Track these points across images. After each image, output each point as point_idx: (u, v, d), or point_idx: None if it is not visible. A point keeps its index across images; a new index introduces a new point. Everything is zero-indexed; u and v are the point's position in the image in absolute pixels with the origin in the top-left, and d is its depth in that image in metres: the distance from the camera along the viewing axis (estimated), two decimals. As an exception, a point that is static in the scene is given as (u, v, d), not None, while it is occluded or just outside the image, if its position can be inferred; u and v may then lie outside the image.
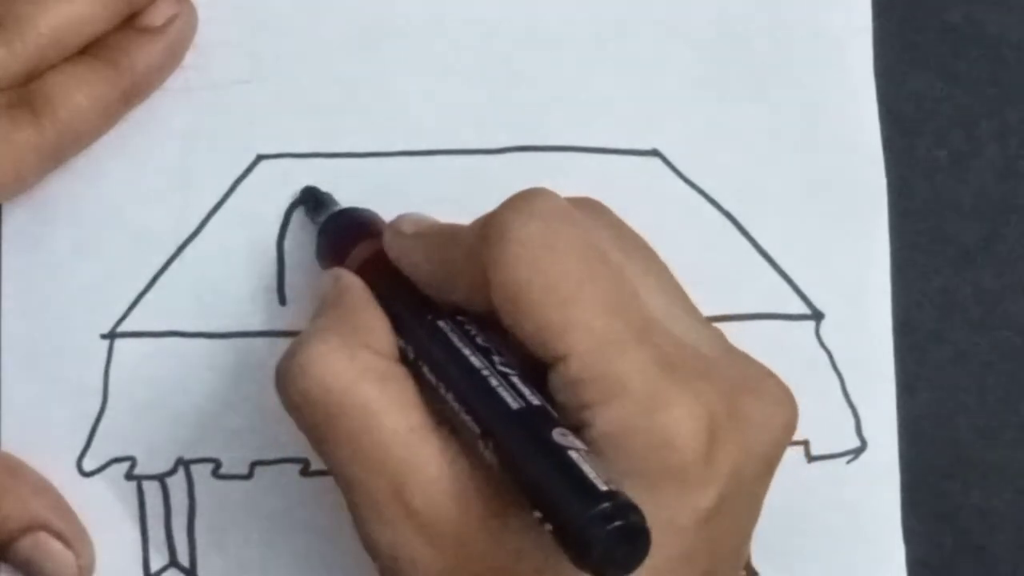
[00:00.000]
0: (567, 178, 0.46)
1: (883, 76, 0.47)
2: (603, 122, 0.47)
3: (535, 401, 0.36)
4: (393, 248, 0.41)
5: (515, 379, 0.37)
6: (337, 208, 0.45)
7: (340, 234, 0.44)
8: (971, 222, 0.47)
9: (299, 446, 0.45)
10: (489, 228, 0.37)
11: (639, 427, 0.36)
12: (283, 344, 0.45)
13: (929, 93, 0.48)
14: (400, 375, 0.38)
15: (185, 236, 0.46)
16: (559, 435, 0.35)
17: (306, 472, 0.45)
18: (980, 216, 0.47)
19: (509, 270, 0.37)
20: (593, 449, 0.35)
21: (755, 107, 0.47)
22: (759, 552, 0.46)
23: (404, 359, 0.39)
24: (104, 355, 0.45)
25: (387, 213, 0.46)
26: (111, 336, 0.45)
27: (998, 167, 0.47)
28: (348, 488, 0.38)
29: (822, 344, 0.46)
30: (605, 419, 0.36)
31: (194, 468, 0.45)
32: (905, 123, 0.47)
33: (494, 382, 0.36)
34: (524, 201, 0.38)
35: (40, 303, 0.45)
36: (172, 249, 0.46)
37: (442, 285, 0.39)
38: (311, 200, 0.45)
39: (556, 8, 0.47)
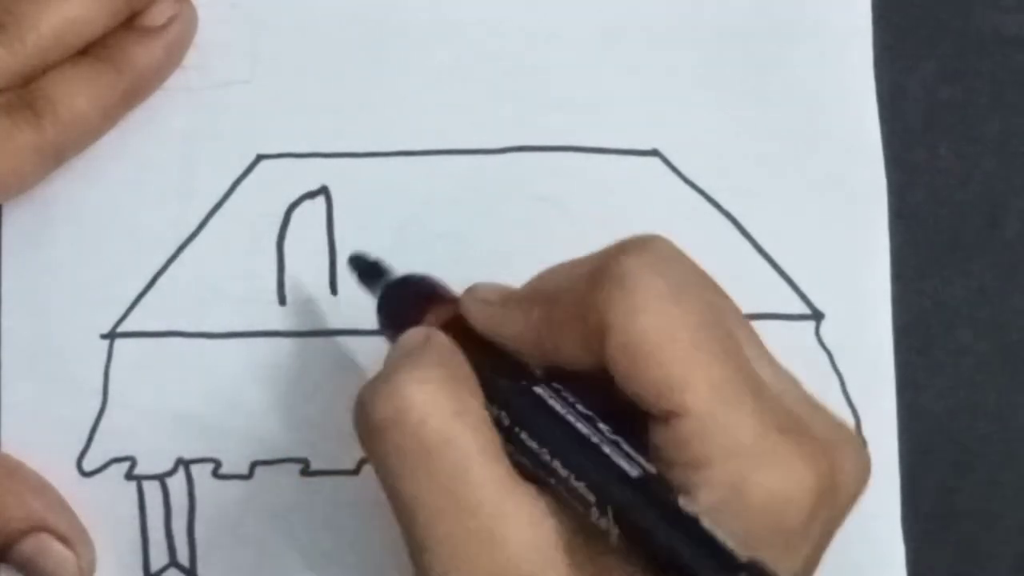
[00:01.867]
0: (567, 178, 0.46)
1: (883, 76, 0.47)
2: (603, 122, 0.47)
3: (651, 468, 0.35)
4: (481, 317, 0.39)
5: (625, 446, 0.35)
6: (396, 275, 0.43)
7: (408, 301, 0.42)
8: (971, 222, 0.47)
9: (299, 446, 0.45)
10: (608, 276, 0.36)
11: (754, 487, 0.35)
12: (283, 344, 0.45)
13: (929, 93, 0.48)
14: (490, 425, 0.37)
15: (185, 236, 0.46)
16: (684, 503, 0.34)
17: (306, 472, 0.45)
18: (980, 216, 0.47)
19: (631, 320, 0.35)
20: (706, 510, 0.34)
21: (755, 107, 0.47)
22: (759, 552, 0.46)
23: (496, 423, 0.37)
24: (104, 355, 0.45)
25: (387, 213, 0.46)
26: (111, 336, 0.45)
27: (998, 167, 0.47)
28: (423, 527, 0.36)
29: (822, 344, 0.46)
30: (720, 478, 0.35)
31: (194, 468, 0.45)
32: (905, 123, 0.47)
33: (607, 449, 0.35)
34: (644, 249, 0.37)
35: (40, 303, 0.45)
36: (172, 249, 0.46)
37: (544, 348, 0.37)
38: (364, 268, 0.43)
39: (556, 8, 0.47)
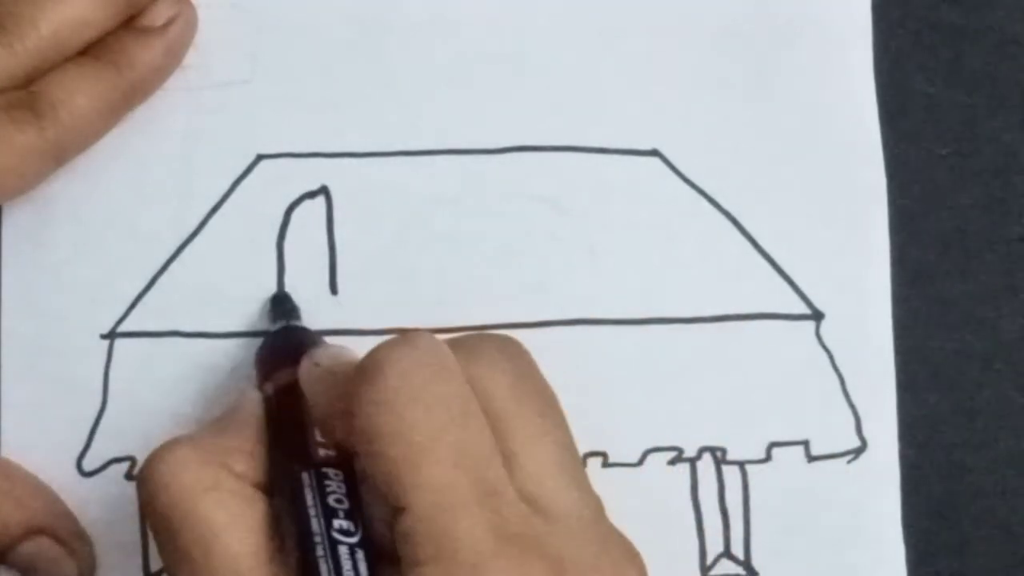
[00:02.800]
0: (567, 178, 0.46)
1: (883, 76, 0.47)
2: (603, 122, 0.47)
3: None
4: (303, 378, 0.40)
5: (343, 549, 0.37)
6: (286, 323, 0.44)
7: (275, 351, 0.43)
8: (971, 222, 0.47)
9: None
10: (362, 367, 0.37)
11: None
12: (283, 344, 0.45)
13: (929, 93, 0.48)
14: (253, 500, 0.38)
15: (185, 236, 0.46)
16: None
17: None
18: (980, 216, 0.47)
19: (367, 412, 0.36)
20: None
21: (755, 107, 0.47)
22: (759, 552, 0.46)
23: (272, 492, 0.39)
24: (104, 355, 0.45)
25: (387, 213, 0.46)
26: (111, 336, 0.45)
27: (998, 167, 0.47)
28: None
29: (822, 344, 0.46)
30: None
31: (194, 468, 0.45)
32: (905, 123, 0.47)
33: (319, 552, 0.37)
34: (400, 345, 0.37)
35: (40, 303, 0.45)
36: (172, 249, 0.46)
37: (332, 423, 0.39)
38: (277, 307, 0.45)
39: (556, 8, 0.47)
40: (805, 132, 0.47)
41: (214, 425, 0.41)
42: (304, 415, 0.40)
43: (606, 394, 0.46)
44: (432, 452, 0.36)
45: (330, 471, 0.38)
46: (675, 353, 0.46)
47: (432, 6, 0.47)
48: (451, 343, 0.39)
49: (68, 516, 0.44)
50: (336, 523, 0.37)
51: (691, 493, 0.46)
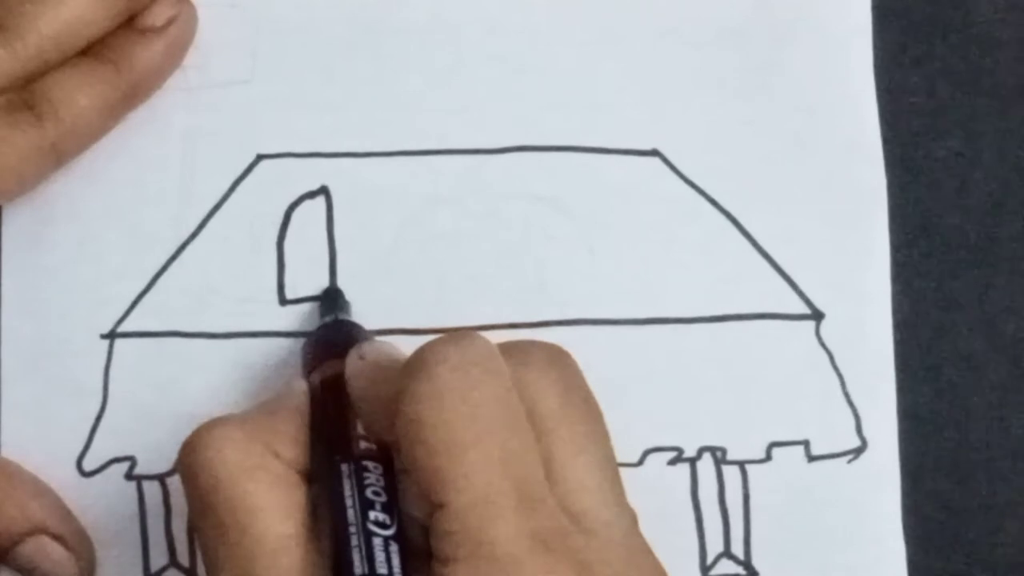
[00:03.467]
0: (567, 178, 0.46)
1: (883, 76, 0.47)
2: (603, 122, 0.47)
3: (381, 570, 0.36)
4: (349, 371, 0.40)
5: (377, 541, 0.37)
6: (335, 316, 0.44)
7: (322, 343, 0.43)
8: (971, 222, 0.47)
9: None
10: (412, 362, 0.37)
11: None
12: (283, 344, 0.45)
13: (929, 93, 0.48)
14: (294, 485, 0.38)
15: (185, 236, 0.46)
16: None
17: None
18: (980, 216, 0.47)
19: (414, 407, 0.36)
20: None
21: (755, 107, 0.47)
22: (759, 552, 0.46)
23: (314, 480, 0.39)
24: (104, 355, 0.45)
25: (387, 213, 0.46)
26: (111, 336, 0.45)
27: (998, 167, 0.47)
28: (211, 567, 0.38)
29: (822, 344, 0.46)
30: None
31: (194, 468, 0.45)
32: (905, 123, 0.47)
33: (353, 542, 0.37)
34: (453, 342, 0.37)
35: (40, 303, 0.45)
36: (172, 249, 0.46)
37: (375, 419, 0.39)
38: (328, 301, 0.45)
39: (556, 8, 0.47)
40: (805, 132, 0.47)
41: (261, 409, 0.40)
42: (347, 407, 0.40)
43: (605, 394, 0.45)
44: (475, 451, 0.36)
45: (369, 464, 0.38)
46: (675, 353, 0.46)
47: (432, 6, 0.47)
48: (502, 347, 0.39)
49: (68, 516, 0.44)
50: (372, 515, 0.37)
51: (691, 493, 0.46)
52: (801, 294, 0.46)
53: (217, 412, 0.45)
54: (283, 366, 0.45)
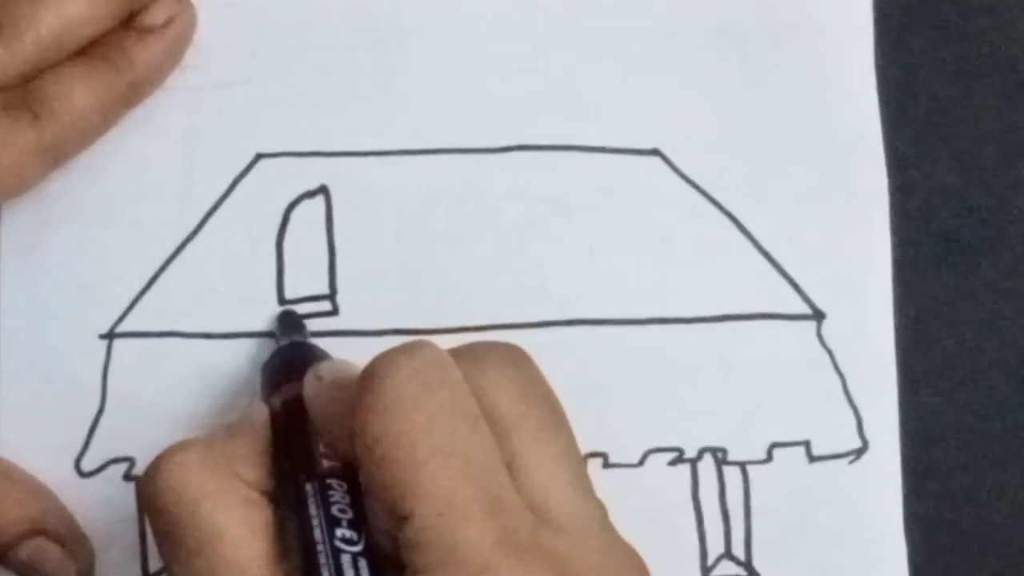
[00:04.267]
0: (567, 178, 0.46)
1: (883, 76, 0.47)
2: (603, 122, 0.47)
3: None
4: (307, 392, 0.40)
5: (345, 557, 0.37)
6: (293, 338, 0.44)
7: (282, 365, 0.43)
8: (971, 222, 0.47)
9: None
10: (364, 376, 0.37)
11: None
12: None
13: (929, 93, 0.48)
14: (260, 507, 0.38)
15: (185, 236, 0.46)
16: None
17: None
18: (980, 216, 0.47)
19: (371, 420, 0.36)
20: None
21: (755, 107, 0.47)
22: (760, 553, 0.46)
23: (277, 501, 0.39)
24: (103, 355, 0.45)
25: (387, 213, 0.46)
26: (110, 336, 0.45)
27: (998, 167, 0.47)
28: None
29: (823, 344, 0.46)
30: None
31: (193, 468, 0.45)
32: (905, 123, 0.47)
33: (321, 559, 0.37)
34: (405, 353, 0.37)
35: (39, 303, 0.45)
36: (172, 249, 0.46)
37: (335, 436, 0.39)
38: (284, 322, 0.45)
39: (556, 8, 0.47)
40: (805, 132, 0.47)
41: (222, 431, 0.40)
42: (308, 427, 0.40)
43: (606, 394, 0.45)
44: (435, 460, 0.36)
45: (334, 481, 0.38)
46: (675, 353, 0.46)
47: (432, 6, 0.47)
48: (454, 352, 0.39)
49: (67, 516, 0.44)
50: (339, 532, 0.37)
51: (692, 494, 0.46)
52: (802, 294, 0.46)
53: (217, 412, 0.45)
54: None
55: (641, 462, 0.46)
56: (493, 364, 0.39)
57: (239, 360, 0.45)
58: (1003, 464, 0.47)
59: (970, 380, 0.47)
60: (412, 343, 0.38)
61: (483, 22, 0.47)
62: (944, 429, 0.47)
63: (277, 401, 0.41)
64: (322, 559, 0.37)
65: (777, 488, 0.46)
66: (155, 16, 0.45)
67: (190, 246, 0.46)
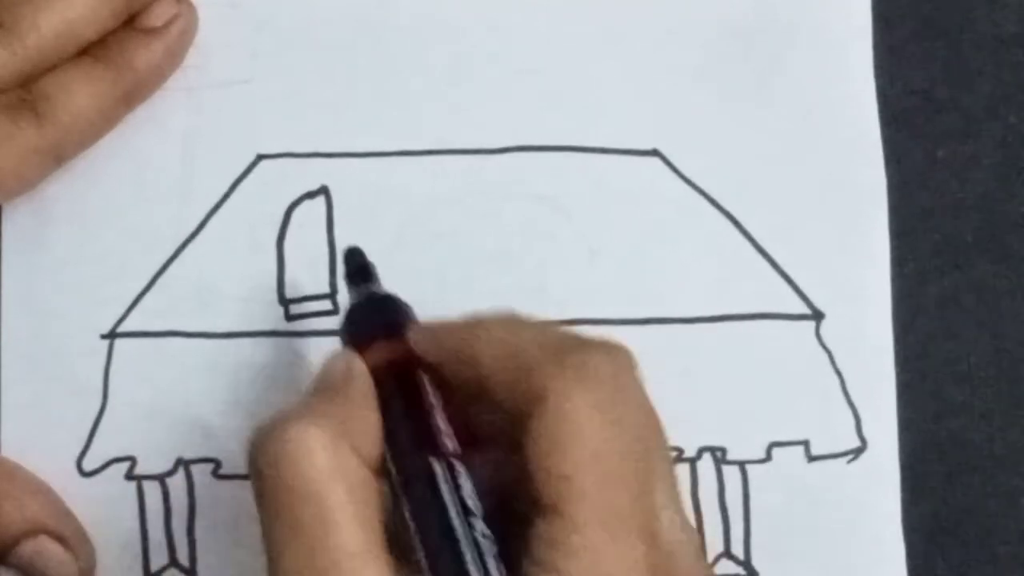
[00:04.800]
0: (567, 178, 0.46)
1: (883, 76, 0.47)
2: (603, 122, 0.47)
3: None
4: (422, 338, 0.39)
5: (487, 550, 0.35)
6: (377, 289, 0.42)
7: (372, 320, 0.40)
8: (971, 222, 0.47)
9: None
10: (573, 360, 0.36)
11: None
12: (283, 344, 0.45)
13: (929, 93, 0.48)
14: (373, 489, 0.37)
15: (185, 236, 0.46)
16: None
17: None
18: (980, 216, 0.47)
19: (568, 409, 0.35)
20: None
21: (755, 107, 0.47)
22: (759, 552, 0.46)
23: (386, 473, 0.37)
24: (104, 355, 0.45)
25: (387, 213, 0.46)
26: (111, 336, 0.45)
27: (998, 167, 0.47)
28: (278, 573, 0.36)
29: (822, 344, 0.46)
30: None
31: (194, 468, 0.45)
32: (905, 123, 0.47)
33: (463, 547, 0.35)
34: (614, 355, 0.36)
35: (40, 303, 0.45)
36: (172, 249, 0.46)
37: (465, 369, 0.38)
38: (355, 266, 0.42)
39: (556, 8, 0.47)
40: (805, 132, 0.47)
41: (330, 394, 0.38)
42: (424, 396, 0.38)
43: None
44: (612, 473, 0.35)
45: (458, 464, 0.37)
46: (674, 353, 0.46)
47: (432, 6, 0.47)
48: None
49: (68, 516, 0.44)
50: (478, 525, 0.36)
51: (691, 493, 0.46)
52: (801, 294, 0.46)
53: (217, 412, 0.45)
54: (283, 366, 0.45)
55: (640, 461, 0.46)
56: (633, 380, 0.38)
57: (240, 360, 0.45)
58: (1001, 464, 0.47)
59: (968, 380, 0.47)
60: (613, 343, 0.37)
61: (483, 22, 0.47)
62: (942, 429, 0.47)
63: (373, 360, 0.39)
64: (466, 552, 0.35)
65: (776, 487, 0.46)
66: (156, 17, 0.45)
67: (191, 246, 0.46)
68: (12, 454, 0.45)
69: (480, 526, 0.36)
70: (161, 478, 0.45)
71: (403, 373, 0.38)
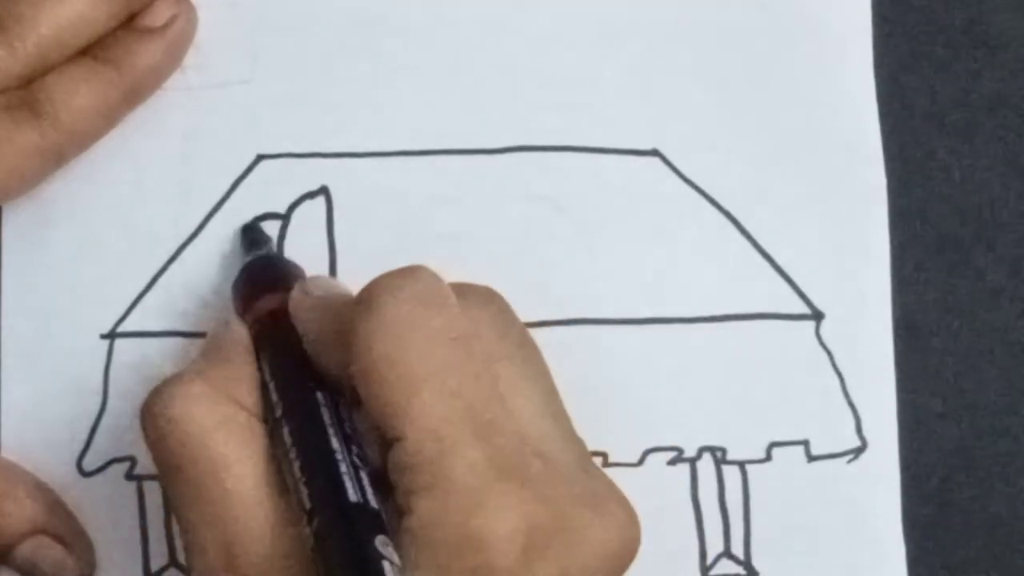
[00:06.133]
0: (567, 178, 0.46)
1: (883, 76, 0.47)
2: (603, 122, 0.47)
3: (373, 504, 0.36)
4: (294, 308, 0.41)
5: (363, 475, 0.37)
6: (262, 252, 0.44)
7: (255, 279, 0.43)
8: (971, 222, 0.47)
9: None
10: (362, 298, 0.37)
11: (453, 523, 0.35)
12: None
13: (929, 94, 0.48)
14: (258, 433, 0.39)
15: (185, 236, 0.46)
16: (381, 543, 0.35)
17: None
18: (980, 216, 0.47)
19: (369, 342, 0.36)
20: (409, 537, 0.35)
21: (755, 107, 0.47)
22: (759, 552, 0.46)
23: (270, 419, 0.39)
24: (104, 355, 0.45)
25: (387, 213, 0.46)
26: (111, 336, 0.45)
27: (998, 167, 0.47)
28: (184, 531, 0.38)
29: (822, 344, 0.46)
30: (424, 509, 0.35)
31: (194, 468, 0.45)
32: (905, 123, 0.47)
33: (343, 468, 0.37)
34: (403, 277, 0.38)
35: (40, 303, 0.45)
36: (172, 249, 0.46)
37: (324, 353, 0.39)
38: (247, 237, 0.45)
39: (556, 8, 0.47)
40: (805, 132, 0.47)
41: (212, 356, 0.40)
42: (298, 341, 0.40)
43: (606, 394, 0.46)
44: (432, 382, 0.36)
45: (340, 399, 0.39)
46: (674, 353, 0.46)
47: (432, 6, 0.47)
48: None
49: (68, 516, 0.44)
50: (354, 448, 0.37)
51: (691, 493, 0.46)
52: (801, 294, 0.47)
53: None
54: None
55: (640, 461, 0.46)
56: (476, 303, 0.39)
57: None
58: (1001, 464, 0.47)
59: (968, 380, 0.47)
60: (411, 267, 0.38)
61: (483, 22, 0.47)
62: (942, 428, 0.47)
63: (259, 314, 0.41)
64: (343, 468, 0.37)
65: (776, 487, 0.46)
66: (156, 17, 0.44)
67: (191, 246, 0.46)
68: (12, 454, 0.45)
69: (357, 450, 0.37)
70: (161, 478, 0.45)
71: (281, 323, 0.40)
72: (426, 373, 0.36)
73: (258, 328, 0.41)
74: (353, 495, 0.36)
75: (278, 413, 0.39)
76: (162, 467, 0.38)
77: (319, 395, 0.38)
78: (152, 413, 0.38)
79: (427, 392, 0.36)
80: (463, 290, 0.39)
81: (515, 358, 0.39)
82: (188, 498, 0.38)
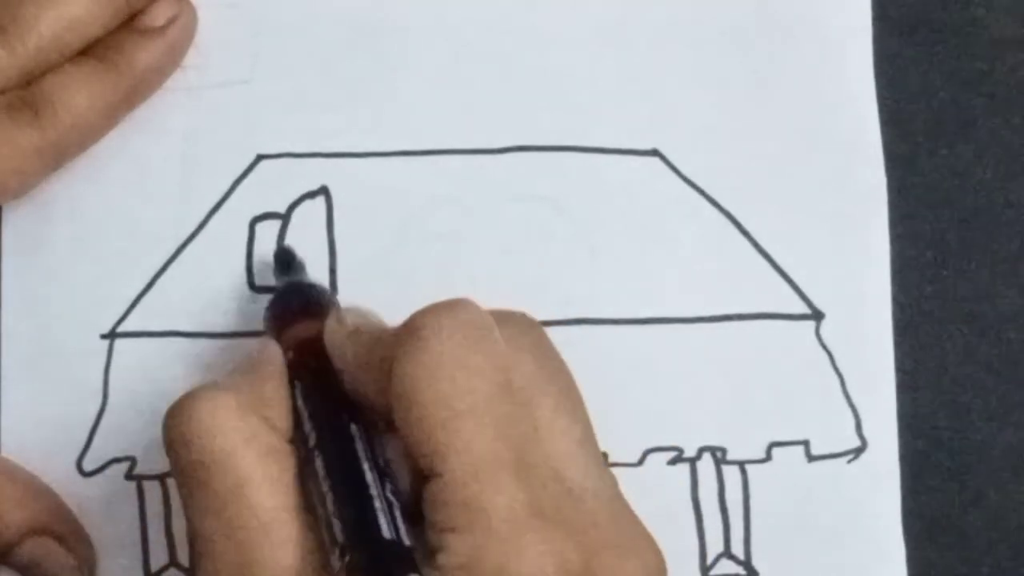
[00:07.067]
0: (567, 178, 0.46)
1: (883, 76, 0.47)
2: (603, 122, 0.47)
3: (406, 541, 0.36)
4: (329, 337, 0.40)
5: (397, 512, 0.37)
6: (297, 278, 0.44)
7: (289, 305, 0.43)
8: (971, 222, 0.47)
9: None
10: (406, 331, 0.37)
11: (490, 564, 0.35)
12: (283, 344, 0.45)
13: (929, 93, 0.48)
14: (285, 454, 0.38)
15: (185, 236, 0.46)
16: None
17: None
18: (980, 216, 0.47)
19: (412, 376, 0.36)
20: (441, 575, 0.35)
21: (755, 107, 0.47)
22: (759, 552, 0.46)
23: (299, 444, 0.39)
24: (104, 355, 0.45)
25: (387, 213, 0.46)
26: (111, 336, 0.45)
27: (998, 167, 0.47)
28: (199, 542, 0.38)
29: (822, 344, 0.46)
30: (459, 548, 0.35)
31: (194, 468, 0.45)
32: (905, 123, 0.47)
33: (377, 504, 0.36)
34: (448, 311, 0.37)
35: (40, 303, 0.45)
36: (172, 249, 0.46)
37: (358, 382, 0.39)
38: (281, 261, 0.44)
39: (556, 8, 0.47)
40: (805, 132, 0.47)
41: (244, 376, 0.40)
42: (332, 370, 0.40)
43: (606, 394, 0.45)
44: (473, 420, 0.36)
45: (375, 435, 0.38)
46: (675, 353, 0.46)
47: (432, 6, 0.47)
48: None
49: (68, 516, 0.44)
50: (388, 485, 0.37)
51: (691, 493, 0.46)
52: (801, 294, 0.46)
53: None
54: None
55: (640, 461, 0.46)
56: (516, 332, 0.39)
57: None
58: (1001, 464, 0.47)
59: (968, 380, 0.47)
60: (456, 300, 0.38)
61: (483, 22, 0.47)
62: (942, 428, 0.47)
63: (293, 341, 0.41)
64: (377, 504, 0.36)
65: (776, 487, 0.46)
66: (156, 17, 0.45)
67: (191, 246, 0.46)
68: (12, 454, 0.45)
69: (391, 486, 0.37)
70: (161, 478, 0.45)
71: (317, 351, 0.40)
72: (469, 410, 0.36)
73: (291, 355, 0.41)
74: (387, 532, 0.36)
75: (311, 443, 0.38)
76: (183, 474, 0.38)
77: (353, 427, 0.38)
78: (179, 419, 0.38)
79: (468, 430, 0.36)
80: (503, 318, 0.39)
81: (554, 390, 0.38)
82: (205, 510, 0.37)
